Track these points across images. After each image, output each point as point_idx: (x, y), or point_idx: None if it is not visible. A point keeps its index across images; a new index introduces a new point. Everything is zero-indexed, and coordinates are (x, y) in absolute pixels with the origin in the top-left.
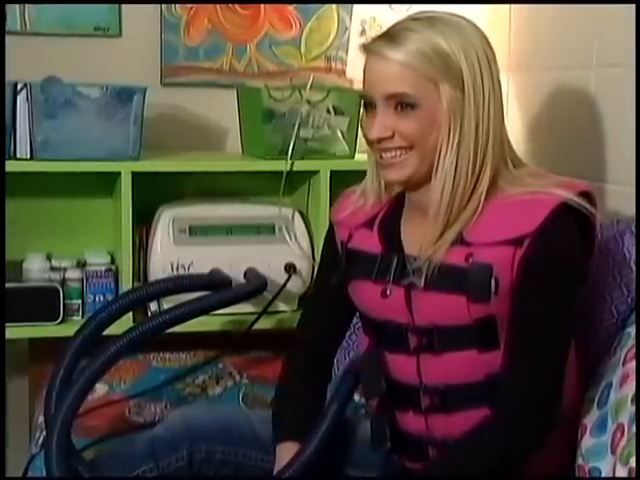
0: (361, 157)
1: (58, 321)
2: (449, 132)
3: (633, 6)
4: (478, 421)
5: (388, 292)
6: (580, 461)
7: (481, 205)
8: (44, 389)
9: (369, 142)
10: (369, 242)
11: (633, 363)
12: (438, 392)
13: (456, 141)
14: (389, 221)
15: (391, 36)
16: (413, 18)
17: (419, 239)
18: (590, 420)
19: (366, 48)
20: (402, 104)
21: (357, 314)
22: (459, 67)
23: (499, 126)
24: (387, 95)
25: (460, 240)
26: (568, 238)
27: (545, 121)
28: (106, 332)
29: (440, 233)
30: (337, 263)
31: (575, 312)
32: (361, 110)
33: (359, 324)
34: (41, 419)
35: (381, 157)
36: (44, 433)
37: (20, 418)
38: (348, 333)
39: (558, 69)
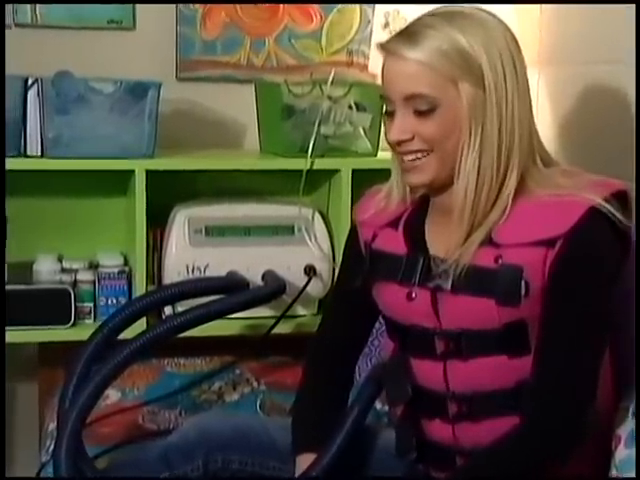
0: (384, 155)
1: (69, 325)
2: (470, 133)
3: None
4: (507, 430)
5: (414, 295)
6: (614, 472)
7: (509, 206)
8: (54, 396)
9: (389, 144)
10: (394, 242)
11: None
12: (466, 399)
13: (478, 142)
14: (414, 222)
15: (409, 34)
16: (432, 14)
17: (445, 240)
18: (624, 430)
19: (383, 47)
20: (421, 105)
21: (380, 318)
22: (479, 64)
23: (526, 124)
24: (405, 96)
25: (489, 241)
26: (602, 238)
27: (577, 117)
28: (120, 337)
29: (467, 234)
30: (360, 264)
31: (609, 315)
32: (384, 107)
33: (381, 329)
34: (52, 427)
35: (402, 161)
36: (54, 441)
37: (29, 425)
38: (370, 338)
39: (590, 63)
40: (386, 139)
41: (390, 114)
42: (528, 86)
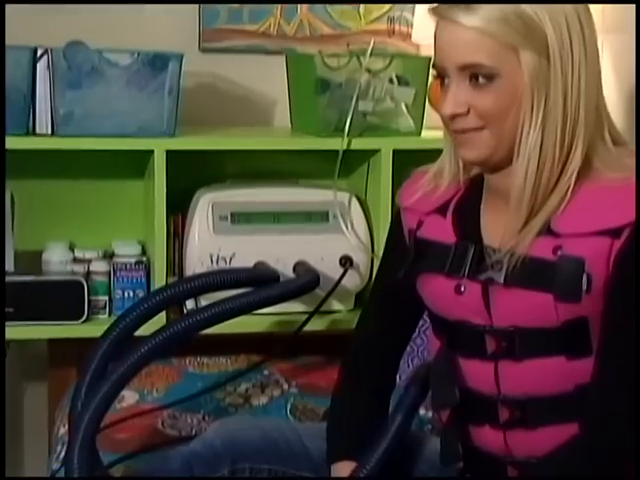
0: (428, 134)
1: (82, 320)
2: (532, 107)
3: None
4: (565, 439)
5: (462, 288)
6: None
7: (571, 189)
8: (65, 397)
9: (442, 117)
10: (442, 230)
11: None
12: (519, 404)
13: (540, 117)
14: (466, 207)
15: None
16: None
17: (500, 228)
18: None
19: (437, 12)
20: (478, 76)
21: (425, 314)
22: (543, 31)
23: (594, 97)
24: (461, 66)
25: (547, 230)
26: None
27: None
28: (137, 333)
29: (524, 222)
30: (403, 255)
31: None
32: (429, 80)
33: (425, 326)
34: (62, 431)
35: (456, 135)
36: (66, 447)
37: (38, 429)
38: (413, 336)
39: None
40: (437, 112)
41: (443, 85)
42: (598, 55)
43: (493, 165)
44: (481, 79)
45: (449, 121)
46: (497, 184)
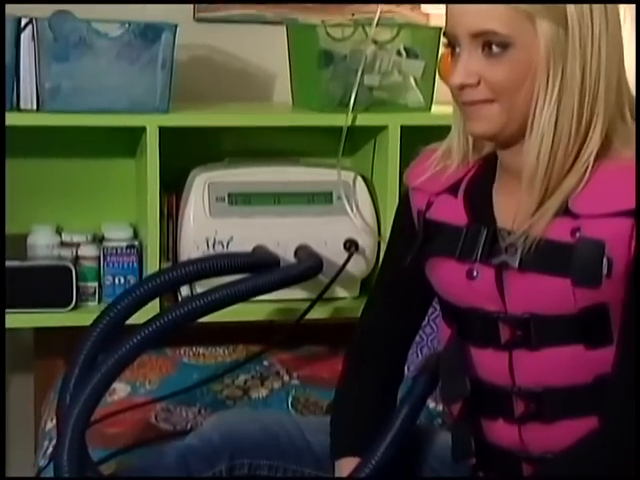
0: (438, 110)
1: (70, 307)
2: (547, 80)
3: None
4: (584, 433)
5: (475, 273)
6: None
7: (590, 168)
8: (52, 390)
9: (451, 89)
10: (453, 211)
11: None
12: (534, 396)
13: (556, 90)
14: (478, 186)
15: None
16: None
17: (513, 209)
18: None
19: None
20: (491, 44)
21: (435, 301)
22: None
23: (615, 72)
24: (473, 33)
25: (565, 210)
26: None
27: None
28: (129, 322)
29: (538, 202)
30: (412, 238)
31: None
32: (440, 51)
33: (435, 314)
34: (50, 426)
35: (464, 107)
36: (54, 442)
37: (24, 424)
38: (422, 325)
39: None
40: (445, 82)
41: (453, 54)
42: (620, 26)
43: (503, 141)
44: (494, 48)
45: (458, 92)
46: (510, 162)
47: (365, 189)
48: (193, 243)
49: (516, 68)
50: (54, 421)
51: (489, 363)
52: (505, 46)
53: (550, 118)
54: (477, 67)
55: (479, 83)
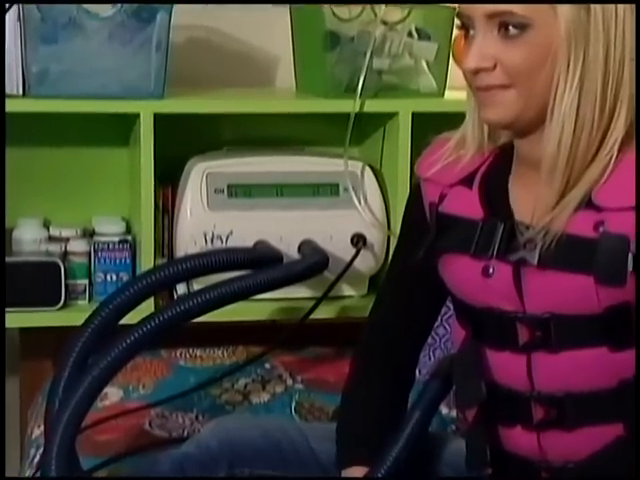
0: (452, 95)
1: (58, 306)
2: (568, 63)
3: None
4: (608, 441)
5: (491, 270)
6: None
7: (614, 158)
8: (40, 394)
9: (465, 73)
10: (467, 204)
11: None
12: (555, 402)
13: (577, 75)
14: (494, 178)
15: None
16: None
17: (532, 202)
18: None
19: None
20: (507, 25)
21: (448, 300)
22: None
23: None
24: (489, 13)
25: (587, 203)
26: None
27: None
28: (121, 322)
29: (559, 195)
30: (424, 232)
31: None
32: (454, 33)
33: (448, 314)
34: (37, 433)
35: (479, 93)
36: (41, 450)
37: (8, 430)
38: (434, 326)
39: None
40: (459, 66)
41: (467, 37)
42: None
43: (520, 129)
44: (512, 29)
45: (472, 77)
46: (528, 152)
47: (374, 180)
48: (190, 238)
49: (534, 51)
50: (42, 428)
51: (506, 366)
52: (523, 27)
53: (571, 104)
54: (493, 50)
55: (495, 67)
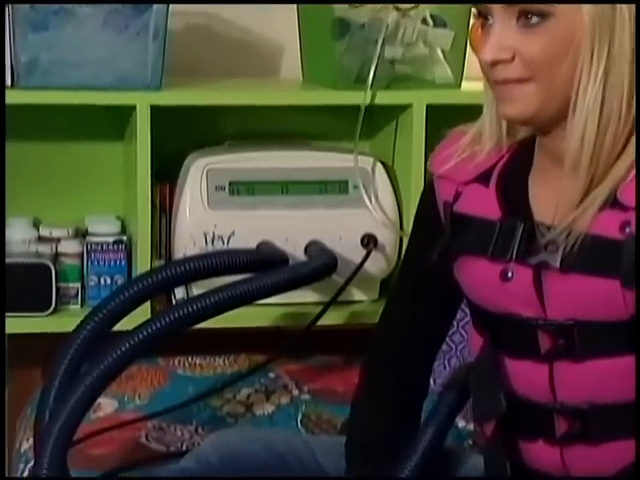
0: (470, 86)
1: (49, 311)
2: (592, 55)
3: None
4: (635, 457)
5: (510, 274)
6: None
7: None
8: (29, 404)
9: (481, 65)
10: (484, 203)
11: None
12: (579, 414)
13: (602, 68)
14: (512, 175)
15: None
16: None
17: (553, 201)
18: None
19: None
20: (527, 14)
21: (464, 305)
22: None
23: None
24: (508, 0)
25: (613, 202)
26: None
27: None
28: (116, 328)
29: (583, 193)
30: (437, 232)
31: None
32: (471, 20)
33: (465, 320)
34: (26, 446)
35: (496, 87)
36: (30, 465)
37: None
38: (450, 332)
39: None
40: (477, 57)
41: (485, 26)
42: None
43: (541, 125)
44: (532, 18)
45: (489, 69)
46: (550, 147)
47: (385, 177)
48: (189, 238)
49: (555, 41)
50: (31, 441)
51: (527, 376)
52: (544, 15)
53: (596, 98)
54: (511, 40)
55: (513, 59)
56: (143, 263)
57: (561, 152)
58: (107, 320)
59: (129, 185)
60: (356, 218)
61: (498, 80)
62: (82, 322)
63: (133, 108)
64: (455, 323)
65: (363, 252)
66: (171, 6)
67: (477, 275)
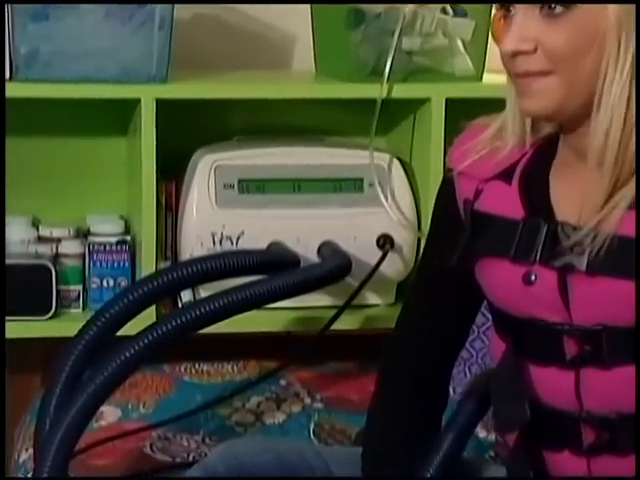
0: (492, 79)
1: (49, 315)
2: (619, 48)
3: None
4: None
5: (533, 277)
6: None
7: None
8: (28, 413)
9: (502, 57)
10: (506, 202)
11: None
12: (606, 423)
13: (629, 61)
14: (534, 172)
15: None
16: None
17: (578, 201)
18: None
19: None
20: (551, 4)
21: (485, 308)
22: None
23: None
24: None
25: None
26: None
27: None
28: (120, 333)
29: (608, 193)
30: (457, 232)
31: None
32: (493, 10)
33: (486, 325)
34: (25, 456)
35: (517, 80)
36: (30, 476)
37: None
38: (470, 338)
39: None
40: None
41: (506, 16)
42: None
43: (565, 121)
44: (557, 7)
45: (510, 61)
46: (574, 144)
47: (402, 175)
48: (196, 239)
49: (580, 33)
50: (30, 451)
51: (552, 383)
52: (568, 5)
53: (621, 94)
54: (534, 31)
55: (535, 50)
56: (148, 265)
57: (585, 148)
58: (110, 325)
59: (133, 183)
60: (371, 218)
61: (519, 73)
62: (84, 327)
63: (137, 102)
64: (476, 328)
65: (379, 253)
66: None
67: (499, 278)
